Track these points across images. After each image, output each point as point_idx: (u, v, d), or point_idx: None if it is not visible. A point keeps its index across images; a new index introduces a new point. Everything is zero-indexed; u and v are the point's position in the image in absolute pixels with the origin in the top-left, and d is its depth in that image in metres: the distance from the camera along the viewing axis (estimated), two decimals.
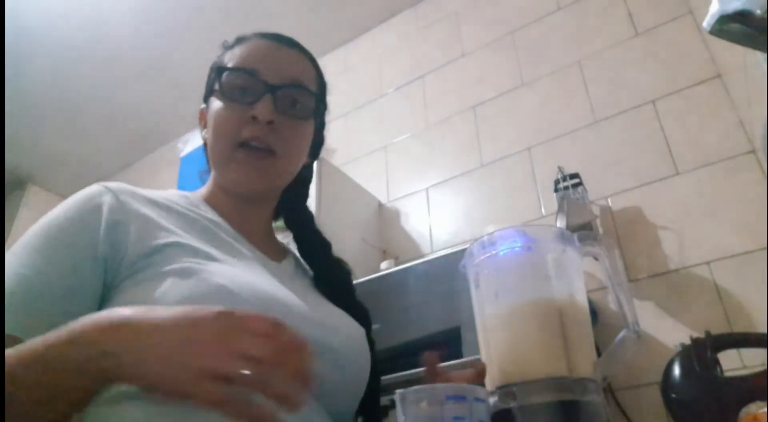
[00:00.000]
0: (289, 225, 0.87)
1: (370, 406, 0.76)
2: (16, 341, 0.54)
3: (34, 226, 0.62)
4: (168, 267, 0.59)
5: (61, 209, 0.63)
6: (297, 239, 0.86)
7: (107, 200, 0.64)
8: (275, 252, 0.79)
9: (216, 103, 0.75)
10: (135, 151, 3.25)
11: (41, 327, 0.55)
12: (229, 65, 0.75)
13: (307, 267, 0.83)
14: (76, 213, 0.62)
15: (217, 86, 0.75)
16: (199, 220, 0.70)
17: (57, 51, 2.57)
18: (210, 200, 0.77)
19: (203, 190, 0.80)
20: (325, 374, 0.64)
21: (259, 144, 0.72)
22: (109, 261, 0.60)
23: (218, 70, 0.76)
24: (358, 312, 0.79)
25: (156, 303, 0.56)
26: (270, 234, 0.83)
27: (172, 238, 0.63)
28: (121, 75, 2.74)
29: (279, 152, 0.73)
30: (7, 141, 2.83)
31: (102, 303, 0.59)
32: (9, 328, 0.54)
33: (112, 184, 0.67)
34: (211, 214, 0.73)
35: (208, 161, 0.81)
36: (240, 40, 0.79)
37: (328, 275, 0.81)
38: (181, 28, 2.54)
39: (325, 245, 0.85)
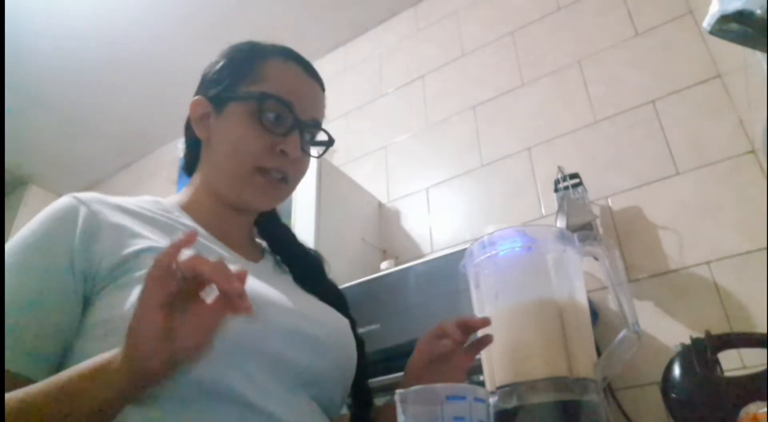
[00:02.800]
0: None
1: (360, 389, 0.79)
2: (8, 374, 0.54)
3: (8, 245, 0.62)
4: (141, 273, 0.59)
5: (34, 226, 0.63)
6: (261, 232, 0.87)
7: (80, 213, 0.64)
8: (253, 253, 0.80)
9: (242, 119, 0.74)
10: (135, 151, 3.25)
11: (28, 354, 0.56)
12: (265, 86, 0.74)
13: (285, 267, 0.84)
14: (50, 230, 0.63)
15: (249, 104, 0.74)
16: (173, 225, 0.70)
17: (57, 51, 2.56)
18: (187, 207, 0.77)
19: (179, 196, 0.80)
20: (309, 363, 0.65)
21: (278, 174, 0.74)
22: (86, 274, 0.60)
23: (261, 94, 0.74)
24: (333, 295, 0.82)
25: (130, 310, 0.56)
26: (249, 237, 0.84)
27: (146, 243, 0.63)
28: (121, 75, 2.74)
29: (291, 181, 0.77)
30: (7, 141, 2.83)
31: (82, 315, 0.60)
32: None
33: (82, 195, 0.67)
34: (186, 220, 0.73)
35: (189, 157, 0.82)
36: (264, 53, 0.79)
37: (299, 261, 0.84)
38: (181, 28, 2.54)
39: (289, 234, 0.88)
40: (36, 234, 0.62)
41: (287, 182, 0.76)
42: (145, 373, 0.46)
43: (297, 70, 0.79)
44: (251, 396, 0.58)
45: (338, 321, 0.77)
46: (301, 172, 0.79)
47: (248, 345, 0.60)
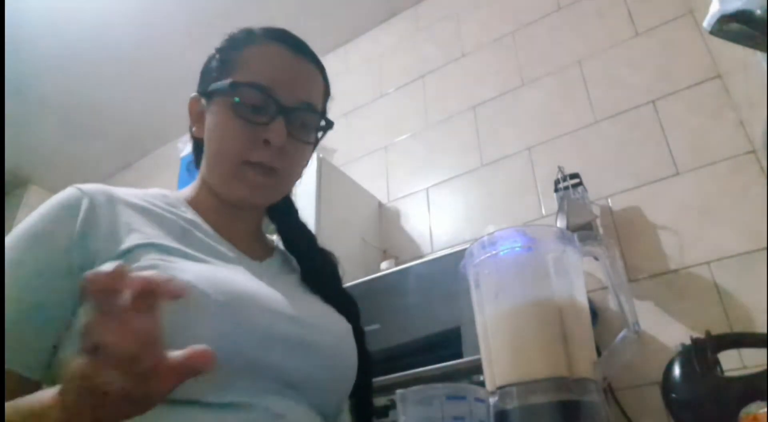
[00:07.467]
0: (272, 218, 0.86)
1: (362, 400, 0.75)
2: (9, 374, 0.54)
3: (9, 236, 0.61)
4: (135, 265, 0.58)
5: (36, 218, 0.63)
6: (280, 232, 0.85)
7: (82, 206, 0.63)
8: (259, 251, 0.77)
9: (224, 114, 0.71)
10: (135, 151, 3.25)
11: (25, 351, 0.56)
12: (241, 75, 0.71)
13: (295, 264, 0.82)
14: (50, 224, 0.62)
15: (227, 96, 0.71)
16: (175, 221, 0.69)
17: (58, 51, 2.57)
18: (192, 201, 0.75)
19: (186, 190, 0.78)
20: (306, 371, 0.63)
21: (266, 166, 0.70)
22: (83, 269, 0.58)
23: (231, 84, 0.71)
24: (345, 303, 0.78)
25: None
26: (256, 233, 0.81)
27: (143, 240, 0.62)
28: (121, 75, 2.74)
29: (282, 172, 0.72)
30: (7, 141, 2.83)
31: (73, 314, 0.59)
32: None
33: (87, 187, 0.66)
34: (190, 215, 0.72)
35: (195, 155, 0.80)
36: (250, 39, 0.76)
37: (314, 267, 0.80)
38: (181, 28, 2.54)
39: (309, 237, 0.85)
40: (36, 228, 0.62)
41: (278, 174, 0.71)
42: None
43: (278, 50, 0.74)
44: (223, 400, 0.56)
45: (337, 326, 0.73)
46: (293, 161, 0.73)
47: (218, 350, 0.57)
